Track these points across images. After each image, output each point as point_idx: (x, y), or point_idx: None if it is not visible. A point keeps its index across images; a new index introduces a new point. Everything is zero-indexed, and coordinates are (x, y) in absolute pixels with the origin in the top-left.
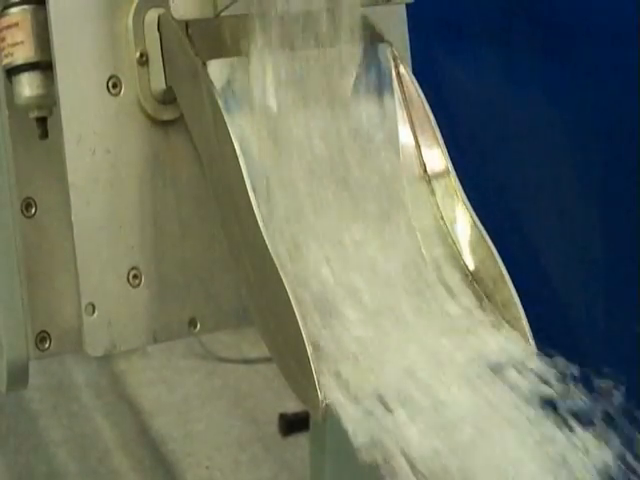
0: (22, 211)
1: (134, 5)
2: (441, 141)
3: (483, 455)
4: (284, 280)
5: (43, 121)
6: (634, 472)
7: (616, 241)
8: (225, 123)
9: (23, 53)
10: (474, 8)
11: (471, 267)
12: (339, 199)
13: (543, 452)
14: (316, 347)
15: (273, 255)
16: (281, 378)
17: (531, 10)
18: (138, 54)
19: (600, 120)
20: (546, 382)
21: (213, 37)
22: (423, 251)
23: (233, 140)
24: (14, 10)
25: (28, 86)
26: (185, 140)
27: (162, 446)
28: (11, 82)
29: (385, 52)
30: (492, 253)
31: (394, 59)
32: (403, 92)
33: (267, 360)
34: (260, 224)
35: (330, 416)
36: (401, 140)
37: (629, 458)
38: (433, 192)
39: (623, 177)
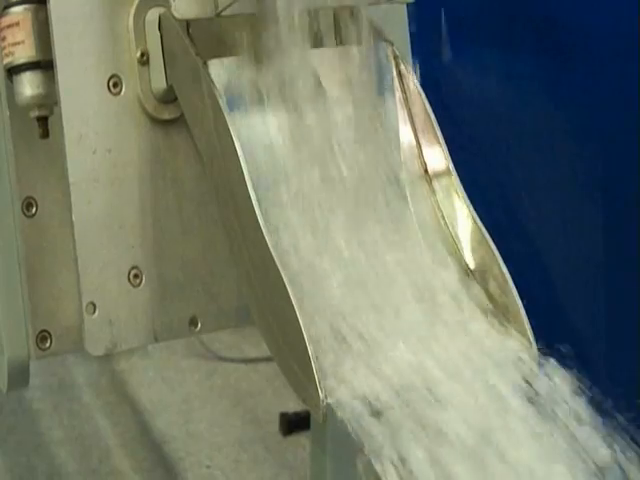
0: (23, 210)
1: (135, 5)
2: (442, 140)
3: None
4: (285, 279)
5: (44, 120)
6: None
7: (617, 240)
8: (226, 122)
9: (24, 52)
10: (475, 8)
11: (472, 266)
12: (339, 198)
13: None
14: (317, 347)
15: (274, 254)
16: (282, 377)
17: (532, 10)
18: (139, 53)
19: (600, 120)
20: (545, 380)
21: (214, 37)
22: (425, 250)
23: (234, 139)
24: (15, 9)
25: (29, 85)
26: (186, 139)
27: (163, 445)
28: (12, 81)
29: (386, 51)
30: (493, 252)
31: (395, 58)
32: (404, 91)
33: (268, 359)
34: (261, 223)
35: (331, 415)
36: (402, 139)
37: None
38: (434, 191)
39: (623, 177)
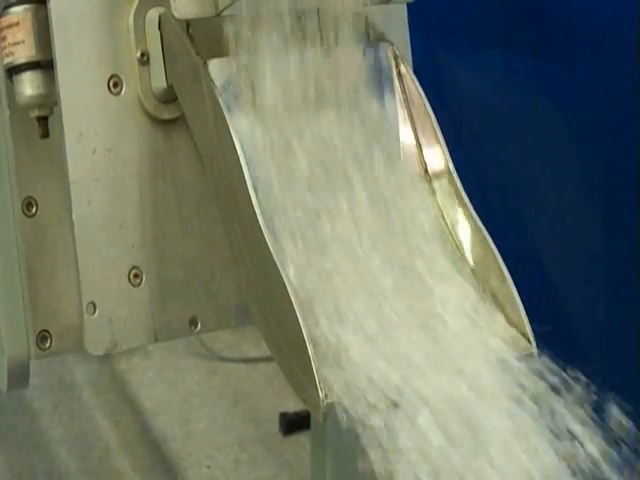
0: (23, 210)
1: (135, 4)
2: (442, 141)
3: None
4: (285, 279)
5: (44, 120)
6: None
7: (616, 240)
8: (226, 122)
9: (24, 52)
10: (475, 8)
11: (472, 266)
12: (340, 198)
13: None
14: (317, 346)
15: (274, 254)
16: (282, 377)
17: (532, 10)
18: (139, 53)
19: (600, 120)
20: (545, 380)
21: (214, 36)
22: (424, 250)
23: (234, 138)
24: (15, 9)
25: (29, 85)
26: (186, 139)
27: (163, 445)
28: (12, 81)
29: (386, 51)
30: (493, 252)
31: (395, 58)
32: (404, 91)
33: (268, 359)
34: (261, 222)
35: (331, 415)
36: (402, 140)
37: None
38: (434, 191)
39: (623, 177)
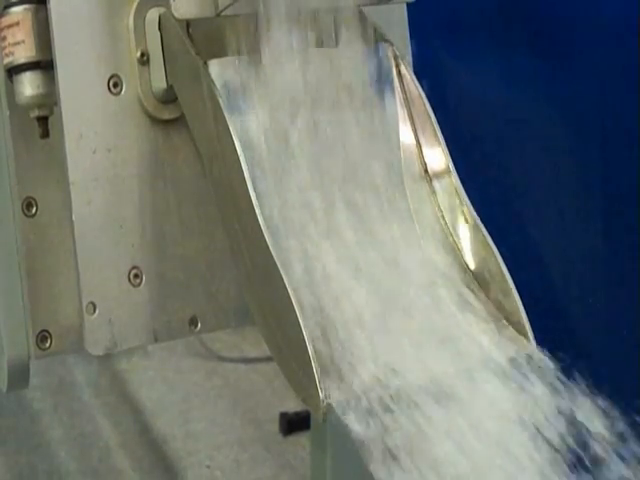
0: (23, 210)
1: (135, 4)
2: (442, 140)
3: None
4: (285, 279)
5: (44, 120)
6: None
7: (617, 240)
8: (226, 122)
9: (24, 52)
10: (474, 7)
11: (472, 266)
12: (340, 197)
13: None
14: (317, 346)
15: (274, 254)
16: (282, 377)
17: (531, 9)
18: (139, 53)
19: (600, 119)
20: (545, 380)
21: (214, 36)
22: (424, 250)
23: (234, 138)
24: (15, 9)
25: (29, 85)
26: (186, 139)
27: (163, 445)
28: (12, 81)
29: (386, 51)
30: (493, 252)
31: (395, 58)
32: (404, 91)
33: (268, 359)
34: (261, 222)
35: (331, 415)
36: (402, 139)
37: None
38: (434, 192)
39: (623, 177)
